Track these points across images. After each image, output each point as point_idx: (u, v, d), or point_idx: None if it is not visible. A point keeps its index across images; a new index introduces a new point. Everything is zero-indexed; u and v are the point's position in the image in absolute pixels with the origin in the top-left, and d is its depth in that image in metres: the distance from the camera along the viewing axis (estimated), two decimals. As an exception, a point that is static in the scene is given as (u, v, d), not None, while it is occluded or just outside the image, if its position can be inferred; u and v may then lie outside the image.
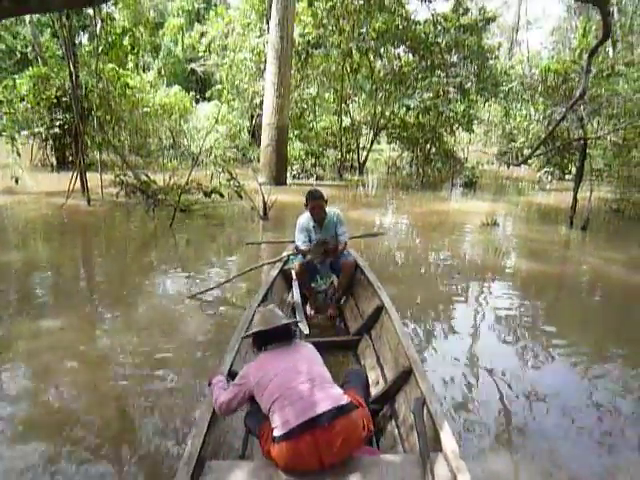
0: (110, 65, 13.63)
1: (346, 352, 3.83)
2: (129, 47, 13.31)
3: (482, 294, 5.86)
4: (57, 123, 13.45)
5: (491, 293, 5.90)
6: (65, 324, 4.43)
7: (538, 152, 12.46)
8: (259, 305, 3.75)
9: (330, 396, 2.17)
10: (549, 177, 16.54)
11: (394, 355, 3.22)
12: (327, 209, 4.62)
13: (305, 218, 4.65)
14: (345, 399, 2.18)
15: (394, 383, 2.91)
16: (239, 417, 2.70)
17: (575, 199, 9.46)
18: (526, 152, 16.08)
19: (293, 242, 4.91)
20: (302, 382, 2.20)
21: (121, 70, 14.43)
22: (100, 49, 12.20)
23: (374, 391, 3.11)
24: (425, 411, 2.37)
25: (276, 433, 2.11)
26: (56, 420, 3.07)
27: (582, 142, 9.27)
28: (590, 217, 9.37)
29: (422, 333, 4.63)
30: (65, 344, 4.04)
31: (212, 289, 5.28)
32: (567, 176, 16.61)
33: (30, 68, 14.18)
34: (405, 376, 2.85)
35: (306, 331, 3.97)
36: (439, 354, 4.24)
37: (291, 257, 4.95)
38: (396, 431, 2.67)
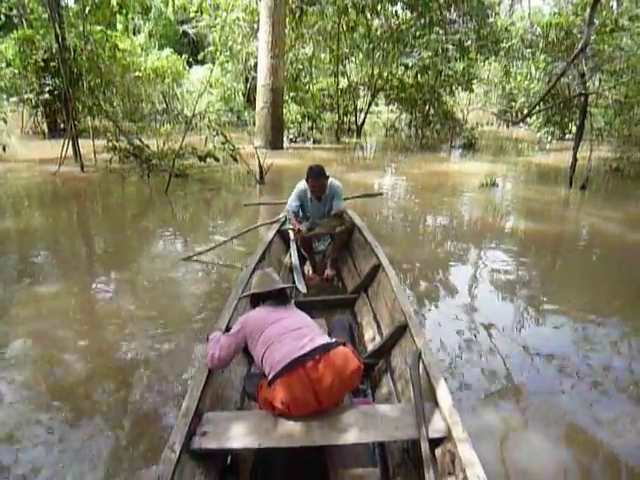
0: (98, 27, 13.18)
1: (343, 310, 3.84)
2: (117, 7, 12.80)
3: (480, 254, 5.83)
4: (46, 89, 13.07)
5: (489, 253, 5.87)
6: (62, 290, 4.41)
7: (538, 109, 12.21)
8: (257, 265, 3.78)
9: (318, 338, 2.28)
10: (549, 137, 16.31)
11: (390, 311, 3.24)
12: (329, 181, 4.53)
13: (304, 186, 4.57)
14: (332, 340, 2.30)
15: (390, 338, 2.94)
16: (236, 371, 2.74)
17: (575, 158, 9.33)
18: (526, 112, 15.80)
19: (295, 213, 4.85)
20: (293, 330, 2.31)
21: (110, 32, 13.96)
22: (87, 10, 11.80)
23: (370, 347, 3.14)
24: (420, 364, 2.38)
25: (270, 377, 2.16)
26: (57, 382, 3.07)
27: (583, 98, 9.06)
28: (590, 176, 9.28)
29: (419, 291, 4.62)
30: (62, 310, 4.02)
31: (209, 250, 5.24)
32: (567, 136, 16.39)
33: (15, 31, 13.71)
34: (401, 331, 2.89)
35: (304, 290, 3.96)
36: (436, 311, 4.25)
37: (288, 218, 4.91)
38: (391, 384, 2.71)
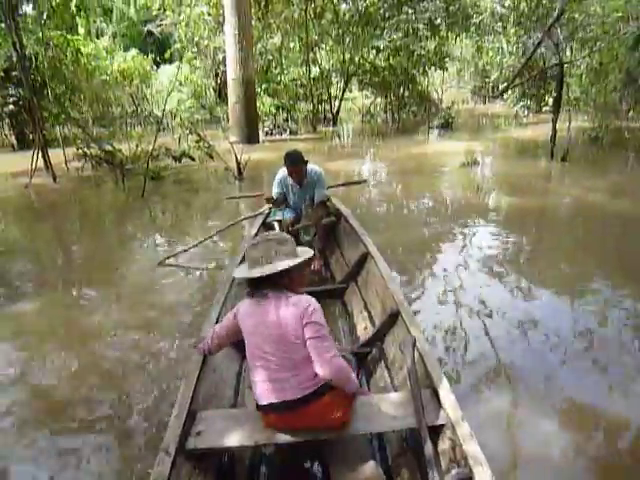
0: (58, 32, 12.74)
1: (333, 300, 3.79)
2: (76, 10, 12.39)
3: (467, 233, 5.74)
4: (10, 100, 12.62)
5: (476, 231, 5.79)
6: (45, 305, 4.23)
7: (517, 82, 12.16)
8: (242, 260, 3.63)
9: (297, 381, 1.96)
10: (525, 111, 16.32)
11: (381, 299, 3.19)
12: (309, 167, 4.42)
13: (284, 172, 4.47)
14: (312, 385, 1.96)
15: (382, 326, 2.90)
16: (229, 368, 2.68)
17: (554, 130, 9.30)
18: (501, 86, 15.76)
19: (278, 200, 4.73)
20: (271, 354, 1.97)
21: (71, 36, 13.53)
22: (45, 15, 11.39)
23: (363, 336, 3.10)
24: (415, 351, 2.34)
25: (256, 399, 2.04)
26: (48, 398, 2.92)
27: (559, 68, 9.00)
28: (569, 147, 9.26)
29: (408, 277, 4.53)
30: (46, 325, 3.85)
31: (190, 249, 5.10)
32: (544, 108, 16.41)
33: (-29, 41, 13.18)
34: (393, 319, 2.85)
35: None
36: (427, 296, 4.17)
37: (273, 210, 4.79)
38: (386, 373, 2.68)
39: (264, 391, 1.97)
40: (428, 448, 1.86)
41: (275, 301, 2.02)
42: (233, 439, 1.99)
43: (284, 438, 2.00)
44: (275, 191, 4.55)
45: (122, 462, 2.44)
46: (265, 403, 1.96)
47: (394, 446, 2.27)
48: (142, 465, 2.36)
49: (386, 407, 2.11)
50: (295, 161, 4.28)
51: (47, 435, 2.65)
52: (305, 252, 2.16)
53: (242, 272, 2.15)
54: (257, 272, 2.03)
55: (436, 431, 2.00)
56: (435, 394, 2.11)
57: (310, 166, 4.45)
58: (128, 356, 3.37)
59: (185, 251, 5.07)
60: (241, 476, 2.14)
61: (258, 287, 2.08)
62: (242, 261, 3.75)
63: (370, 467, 2.05)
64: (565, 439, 2.51)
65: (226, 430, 2.02)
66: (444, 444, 1.97)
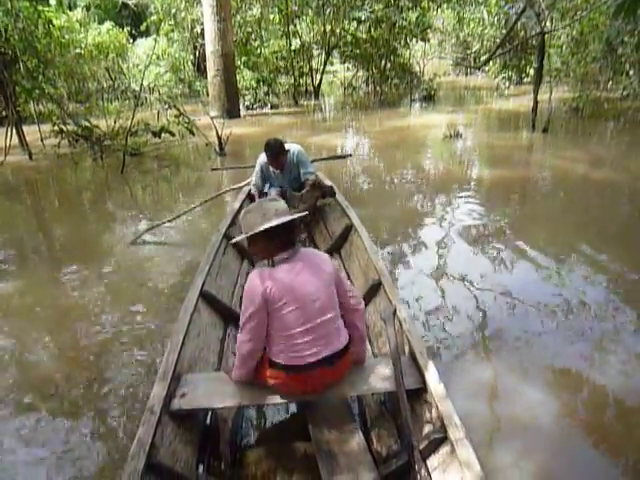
0: (27, 3, 12.23)
1: None
2: (45, -21, 11.90)
3: (449, 206, 5.78)
4: (-20, 75, 12.18)
5: (458, 204, 5.82)
6: (25, 285, 4.17)
7: (500, 52, 12.09)
8: (227, 230, 3.75)
9: (337, 335, 2.05)
10: (507, 83, 16.29)
11: (364, 270, 3.26)
12: (287, 147, 4.26)
13: (264, 159, 4.33)
14: (344, 339, 2.08)
15: (364, 296, 2.94)
16: (212, 333, 2.74)
17: (536, 101, 9.33)
18: (483, 58, 15.68)
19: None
20: (312, 324, 1.98)
21: (41, 8, 13.00)
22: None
23: None
24: (395, 319, 2.40)
25: (274, 359, 2.01)
26: (36, 380, 2.90)
27: (540, 38, 8.97)
28: (550, 118, 9.31)
29: (391, 249, 4.57)
30: (28, 305, 3.81)
31: (169, 221, 5.13)
32: (525, 80, 16.42)
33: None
34: (375, 289, 2.93)
35: None
36: (409, 267, 4.22)
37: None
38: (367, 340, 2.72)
39: (307, 352, 1.97)
40: (405, 410, 1.93)
41: (298, 253, 2.06)
42: (217, 401, 2.05)
43: (268, 399, 2.07)
44: (258, 182, 4.44)
45: (106, 436, 2.47)
46: (309, 362, 1.96)
47: (373, 409, 2.36)
48: (125, 432, 2.39)
49: (367, 372, 2.18)
50: (275, 151, 4.14)
51: (32, 413, 2.65)
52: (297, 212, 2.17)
53: (254, 226, 2.01)
54: (274, 222, 1.98)
55: (414, 394, 2.08)
56: (414, 360, 2.18)
57: (288, 146, 4.29)
58: (110, 332, 3.36)
59: (160, 224, 5.06)
60: (224, 436, 2.19)
61: (276, 244, 2.04)
62: (230, 226, 3.79)
63: (349, 428, 2.15)
64: (547, 405, 2.58)
65: (210, 392, 2.08)
66: (421, 407, 2.06)
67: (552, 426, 2.43)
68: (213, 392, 2.08)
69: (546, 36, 9.27)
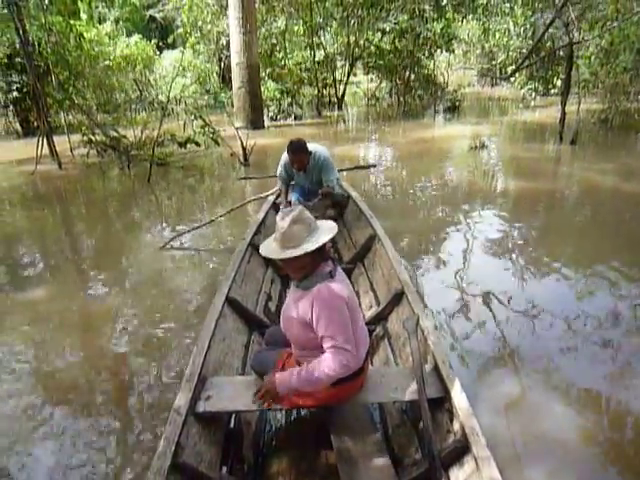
0: (60, 17, 12.59)
1: None
2: (77, -6, 12.22)
3: (474, 219, 5.68)
4: (14, 86, 12.56)
5: (483, 217, 5.73)
6: (54, 291, 4.24)
7: (527, 63, 11.95)
8: (252, 239, 3.79)
9: (363, 352, 2.10)
10: (533, 94, 16.10)
11: (387, 280, 3.27)
12: (313, 148, 4.22)
13: (287, 157, 4.32)
14: (363, 357, 2.10)
15: (387, 305, 2.99)
16: (237, 339, 2.79)
17: (563, 112, 9.17)
18: (509, 69, 15.52)
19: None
20: (357, 329, 2.04)
21: (73, 22, 13.37)
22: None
23: (367, 314, 3.15)
24: (418, 328, 2.41)
25: None
26: (63, 387, 2.93)
27: (569, 48, 8.83)
28: (578, 130, 9.13)
29: (414, 260, 4.52)
30: (57, 311, 3.85)
31: (194, 230, 5.23)
32: (551, 91, 16.19)
33: (-27, 28, 13.07)
34: (397, 298, 2.94)
35: None
36: (432, 278, 4.17)
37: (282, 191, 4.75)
38: (389, 349, 2.78)
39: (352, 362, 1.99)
40: (427, 419, 1.92)
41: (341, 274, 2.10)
42: (241, 404, 2.09)
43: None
44: (282, 173, 4.47)
45: (129, 439, 2.47)
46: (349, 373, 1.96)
47: (394, 417, 2.37)
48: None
49: (389, 380, 2.19)
50: (296, 150, 4.09)
51: (59, 415, 2.67)
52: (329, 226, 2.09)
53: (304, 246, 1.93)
54: (326, 236, 1.97)
55: (435, 404, 2.07)
56: (436, 369, 2.18)
57: (314, 147, 4.23)
58: (137, 339, 3.39)
59: (189, 232, 5.18)
60: (247, 439, 2.24)
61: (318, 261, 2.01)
62: (255, 235, 3.83)
63: (371, 435, 2.17)
64: (568, 422, 2.50)
65: (234, 395, 2.12)
66: (442, 416, 2.05)
67: (576, 445, 2.35)
68: (237, 395, 2.12)
69: (574, 47, 9.12)
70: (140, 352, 3.25)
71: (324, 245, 1.97)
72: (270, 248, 1.99)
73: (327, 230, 2.01)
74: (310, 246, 1.90)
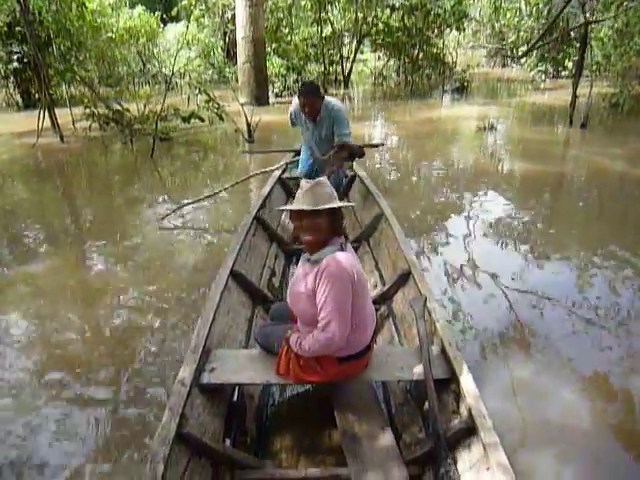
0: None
1: None
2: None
3: (482, 199, 5.60)
4: (15, 57, 12.31)
5: (491, 197, 5.64)
6: (56, 265, 4.18)
7: (541, 43, 11.69)
8: (257, 213, 3.75)
9: (371, 327, 2.10)
10: (542, 76, 15.82)
11: (392, 259, 3.25)
12: (327, 99, 3.84)
13: (297, 105, 3.97)
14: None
15: (393, 284, 2.97)
16: (240, 312, 2.78)
17: (575, 95, 9.00)
18: (521, 49, 15.22)
19: (293, 151, 4.59)
20: (369, 314, 2.07)
21: (75, -10, 13.07)
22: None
23: (373, 293, 3.10)
24: (425, 308, 2.40)
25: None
26: (64, 360, 2.88)
27: (584, 28, 8.61)
28: (589, 113, 8.97)
29: (421, 240, 4.46)
30: (58, 286, 3.80)
31: (198, 200, 5.17)
32: (562, 73, 15.91)
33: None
34: (404, 278, 2.91)
35: None
36: (439, 259, 4.12)
37: (289, 166, 4.65)
38: (394, 328, 2.77)
39: (357, 341, 2.01)
40: (433, 399, 1.91)
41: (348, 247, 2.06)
42: (245, 377, 2.09)
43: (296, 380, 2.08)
44: (292, 111, 4.11)
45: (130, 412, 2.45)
46: (357, 351, 2.00)
47: (398, 396, 2.36)
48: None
49: (394, 359, 2.18)
50: (308, 92, 3.70)
51: (64, 388, 2.64)
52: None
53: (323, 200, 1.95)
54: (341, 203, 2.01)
55: (441, 384, 2.06)
56: (442, 350, 2.17)
57: (328, 99, 3.84)
58: (138, 314, 3.35)
59: (191, 203, 5.13)
60: (250, 412, 2.25)
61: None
62: (260, 209, 3.79)
63: (374, 412, 2.16)
64: (574, 406, 2.47)
65: (239, 368, 2.12)
66: (448, 397, 2.04)
67: (581, 430, 2.31)
68: (241, 368, 2.12)
69: (589, 27, 8.89)
70: (141, 325, 3.21)
71: (342, 217, 2.02)
72: (299, 202, 1.94)
73: (346, 201, 2.05)
74: (339, 203, 1.95)
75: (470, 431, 1.81)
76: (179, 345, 2.96)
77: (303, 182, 2.00)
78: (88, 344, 3.04)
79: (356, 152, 4.05)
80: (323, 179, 2.02)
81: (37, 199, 6.18)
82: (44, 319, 3.35)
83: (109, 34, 14.92)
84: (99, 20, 14.58)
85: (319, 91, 3.79)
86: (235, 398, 2.27)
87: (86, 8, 13.14)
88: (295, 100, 3.97)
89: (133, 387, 2.64)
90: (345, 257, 1.89)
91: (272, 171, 4.91)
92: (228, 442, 2.05)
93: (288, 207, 2.06)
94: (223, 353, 2.22)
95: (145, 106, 9.12)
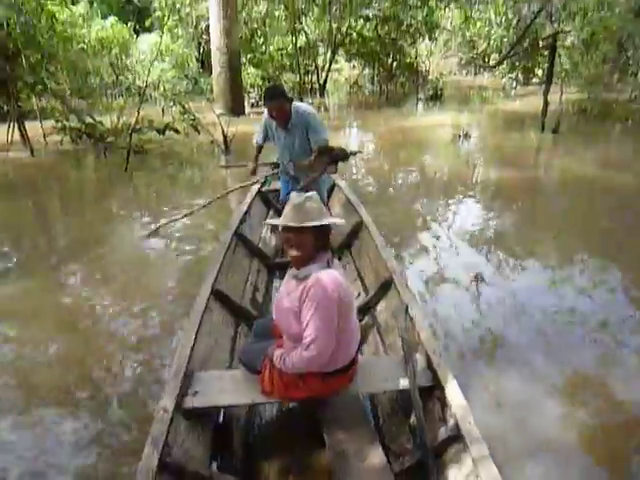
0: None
1: None
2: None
3: (456, 208, 5.67)
4: (-18, 69, 12.01)
5: (465, 206, 5.72)
6: (28, 286, 4.04)
7: (513, 52, 11.96)
8: (237, 228, 3.71)
9: (355, 344, 2.09)
10: (514, 83, 16.16)
11: (374, 267, 3.25)
12: (297, 105, 3.53)
13: (267, 115, 3.66)
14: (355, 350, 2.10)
15: (375, 294, 2.97)
16: (224, 332, 2.72)
17: (546, 102, 9.21)
18: (492, 57, 15.52)
19: (272, 164, 4.53)
20: (353, 330, 2.06)
21: (44, 1, 12.84)
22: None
23: (355, 303, 3.01)
24: (407, 316, 2.42)
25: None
26: (34, 380, 2.78)
27: (552, 37, 8.85)
28: (559, 119, 9.18)
29: (399, 249, 4.47)
30: (31, 306, 3.69)
31: (180, 219, 5.07)
32: (532, 80, 16.28)
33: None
34: (386, 286, 2.91)
35: None
36: (414, 270, 4.12)
37: (268, 179, 4.61)
38: (378, 338, 2.75)
39: (341, 355, 1.99)
40: (418, 408, 1.93)
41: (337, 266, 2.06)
42: (230, 398, 2.06)
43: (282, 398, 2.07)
44: (261, 135, 3.89)
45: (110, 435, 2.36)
46: (339, 367, 1.99)
47: (385, 407, 2.35)
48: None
49: (379, 370, 2.18)
50: (273, 95, 3.38)
51: (34, 418, 2.53)
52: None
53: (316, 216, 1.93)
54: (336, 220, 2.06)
55: (427, 392, 2.07)
56: (426, 358, 2.17)
57: (298, 104, 3.55)
58: (115, 335, 3.26)
59: (169, 222, 5.03)
60: (237, 434, 2.20)
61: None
62: (240, 224, 3.75)
63: (362, 426, 2.14)
64: (556, 410, 2.48)
65: (223, 390, 2.08)
66: (433, 405, 2.05)
67: (559, 431, 2.32)
68: (226, 390, 2.08)
69: (557, 37, 9.13)
70: (117, 346, 3.12)
71: (329, 233, 1.99)
72: (287, 218, 1.91)
73: (336, 217, 2.10)
74: (327, 220, 1.93)
75: (457, 439, 1.81)
76: (161, 366, 2.89)
77: (293, 195, 1.97)
78: (58, 368, 2.94)
79: (339, 155, 3.75)
80: (313, 194, 1.98)
81: (6, 216, 6.00)
82: (13, 342, 3.23)
83: (81, 45, 14.68)
84: (70, 31, 14.32)
85: (285, 93, 3.47)
86: (220, 420, 2.23)
87: (56, 20, 12.91)
88: (265, 114, 3.72)
89: (113, 413, 2.54)
90: (331, 278, 1.87)
91: (251, 184, 4.83)
92: (215, 466, 2.00)
93: (274, 222, 2.04)
94: (206, 375, 2.17)
95: (119, 118, 8.99)
